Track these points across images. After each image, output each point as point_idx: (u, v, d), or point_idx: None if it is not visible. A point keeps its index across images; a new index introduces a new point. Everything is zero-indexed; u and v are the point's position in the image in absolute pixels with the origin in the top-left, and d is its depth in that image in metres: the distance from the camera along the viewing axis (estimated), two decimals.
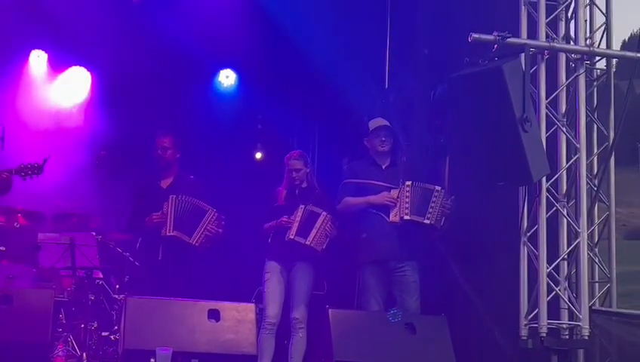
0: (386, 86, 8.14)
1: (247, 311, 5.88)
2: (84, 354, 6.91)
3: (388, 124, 6.80)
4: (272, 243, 6.86)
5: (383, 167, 6.76)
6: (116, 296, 7.64)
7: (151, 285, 6.48)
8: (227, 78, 9.73)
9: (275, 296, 6.75)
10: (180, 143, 7.10)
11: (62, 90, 9.46)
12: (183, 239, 6.72)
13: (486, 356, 6.42)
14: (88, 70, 9.38)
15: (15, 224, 8.04)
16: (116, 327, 7.37)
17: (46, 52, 9.27)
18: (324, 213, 6.67)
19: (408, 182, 6.48)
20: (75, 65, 9.39)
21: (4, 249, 7.81)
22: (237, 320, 5.76)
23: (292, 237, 6.65)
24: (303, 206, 6.72)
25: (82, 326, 7.32)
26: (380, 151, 6.74)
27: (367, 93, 8.14)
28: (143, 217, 6.87)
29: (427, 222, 6.36)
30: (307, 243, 6.60)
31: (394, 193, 6.52)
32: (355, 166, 6.98)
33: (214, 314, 5.73)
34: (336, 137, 8.94)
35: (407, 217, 6.41)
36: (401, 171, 6.66)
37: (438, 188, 6.45)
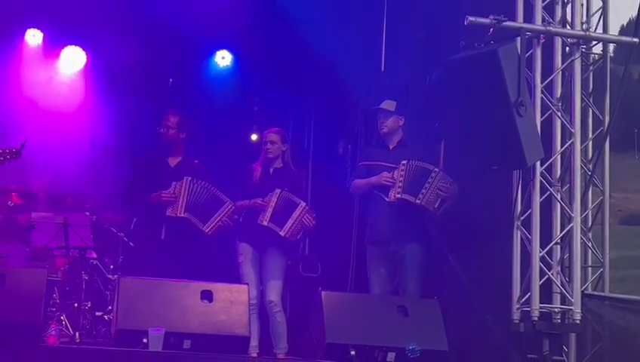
0: (382, 70, 8.12)
1: (240, 292, 5.88)
2: (77, 334, 6.91)
3: (387, 106, 6.77)
4: (242, 223, 6.83)
5: (390, 147, 6.76)
6: (110, 276, 7.65)
7: (151, 264, 6.45)
8: (223, 59, 9.68)
9: (251, 277, 6.71)
10: (186, 124, 7.06)
11: (57, 70, 9.41)
12: (196, 224, 6.71)
13: (478, 339, 6.44)
14: (84, 50, 9.32)
15: (9, 203, 8.01)
16: (110, 307, 7.38)
17: (41, 31, 9.21)
18: (302, 204, 6.66)
19: (404, 161, 6.48)
20: (71, 44, 9.33)
21: None
22: (230, 301, 5.76)
23: (266, 223, 6.62)
24: (278, 191, 6.68)
25: (76, 305, 7.33)
26: (382, 133, 6.74)
27: (363, 76, 8.12)
28: (145, 192, 6.81)
29: (418, 202, 6.37)
30: (282, 233, 6.60)
31: (394, 173, 6.52)
32: (367, 148, 7.04)
33: (207, 295, 5.73)
34: (333, 120, 8.92)
35: (398, 196, 6.43)
36: (409, 151, 6.65)
37: (436, 169, 6.45)
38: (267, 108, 9.64)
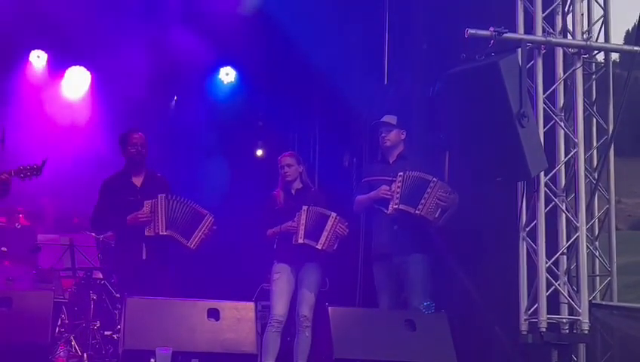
0: (385, 82, 8.13)
1: (246, 309, 5.85)
2: (85, 355, 6.92)
3: (389, 120, 6.78)
4: (278, 248, 6.85)
5: (391, 161, 6.77)
6: (118, 296, 7.65)
7: (137, 285, 6.41)
8: (227, 76, 9.73)
9: (284, 295, 6.74)
10: (147, 141, 6.97)
11: (62, 90, 9.47)
12: (179, 241, 6.67)
13: (486, 351, 6.42)
14: (88, 70, 9.38)
15: (16, 225, 8.06)
16: (119, 326, 7.38)
17: (46, 52, 9.27)
18: (334, 215, 6.67)
19: (400, 173, 6.49)
20: (75, 65, 9.39)
21: (5, 250, 7.83)
22: (237, 319, 5.74)
23: (301, 241, 6.64)
24: (306, 207, 6.70)
25: (84, 325, 7.34)
26: (384, 146, 6.75)
27: (366, 89, 8.13)
28: (115, 214, 6.74)
29: (417, 213, 6.36)
30: (319, 246, 6.62)
31: (392, 185, 6.53)
32: (369, 165, 7.04)
33: (214, 314, 5.71)
34: (337, 133, 8.94)
35: (396, 207, 6.43)
36: (409, 164, 6.65)
37: (434, 179, 6.44)
38: (272, 124, 9.68)
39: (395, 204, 6.44)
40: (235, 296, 6.39)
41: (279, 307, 6.71)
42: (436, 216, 6.38)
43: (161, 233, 6.62)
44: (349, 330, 5.77)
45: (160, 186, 6.87)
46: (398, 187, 6.45)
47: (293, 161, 6.94)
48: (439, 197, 6.37)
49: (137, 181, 6.91)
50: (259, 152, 10.05)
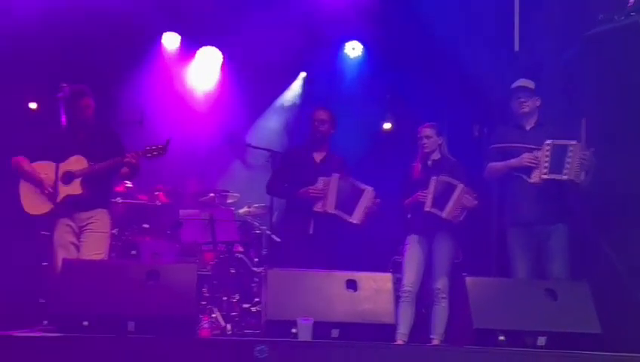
0: (516, 49, 7.96)
1: (384, 280, 5.87)
2: (229, 326, 7.10)
3: (527, 84, 6.64)
4: (411, 219, 6.88)
5: (527, 128, 6.64)
6: (255, 269, 7.82)
7: (299, 258, 6.53)
8: (354, 50, 9.74)
9: (414, 264, 6.78)
10: (335, 120, 7.08)
11: (195, 70, 9.70)
12: (344, 218, 6.78)
13: (629, 320, 6.24)
14: (219, 50, 9.57)
15: (156, 202, 8.30)
16: (257, 299, 7.55)
17: (178, 34, 9.51)
18: (460, 185, 6.63)
19: (548, 141, 6.32)
20: (207, 45, 9.59)
21: (147, 226, 8.11)
22: (375, 289, 5.76)
23: (428, 209, 6.66)
24: (435, 178, 6.70)
25: (224, 299, 7.53)
26: (520, 113, 6.62)
27: (496, 57, 7.98)
28: (290, 186, 6.92)
29: (565, 178, 6.22)
30: (444, 215, 6.60)
31: (536, 154, 6.40)
32: (501, 130, 6.87)
33: (352, 285, 5.76)
34: (467, 104, 8.82)
35: (545, 176, 6.29)
36: (545, 132, 6.49)
37: (573, 142, 6.27)
38: (400, 96, 9.63)
39: (544, 174, 6.29)
40: (368, 269, 6.44)
41: (409, 276, 6.75)
42: (581, 178, 6.24)
43: (328, 211, 6.75)
44: (487, 300, 5.71)
45: (338, 166, 6.98)
46: (547, 156, 6.30)
47: (433, 133, 6.92)
48: (582, 159, 6.20)
49: (318, 157, 7.06)
50: (387, 125, 10.03)
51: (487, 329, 5.54)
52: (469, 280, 5.81)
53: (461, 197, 6.61)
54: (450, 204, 6.61)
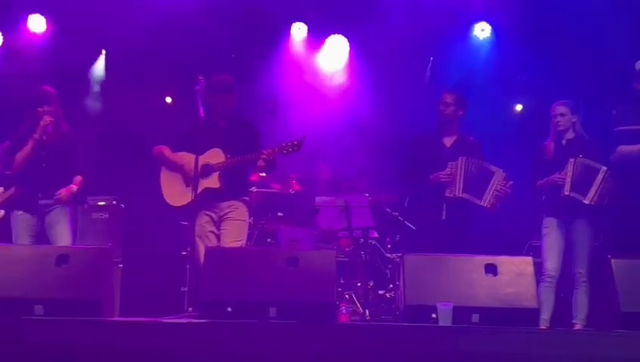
0: None
1: (524, 264, 5.74)
2: (367, 311, 7.13)
3: None
4: (547, 201, 6.73)
5: None
6: (389, 255, 7.82)
7: (432, 244, 6.50)
8: (482, 32, 9.60)
9: (555, 249, 6.64)
10: (463, 101, 6.99)
11: (323, 59, 9.76)
12: (473, 202, 6.72)
13: None
14: (347, 38, 9.60)
15: (290, 190, 8.41)
16: (391, 285, 7.55)
17: (306, 24, 9.59)
18: (604, 169, 6.43)
19: None
20: (334, 34, 9.65)
21: (281, 214, 8.22)
22: (515, 273, 5.65)
23: (567, 193, 6.49)
24: (573, 159, 6.52)
25: (359, 284, 7.56)
26: None
27: (634, 34, 7.70)
28: (422, 171, 6.88)
29: None
30: (586, 201, 6.43)
31: None
32: (625, 111, 6.64)
33: (491, 269, 5.66)
34: (601, 83, 8.54)
35: None
36: None
37: None
38: (530, 78, 9.43)
39: None
40: (503, 254, 6.33)
41: (551, 262, 6.61)
42: None
43: (456, 195, 6.71)
44: (635, 283, 5.52)
45: (471, 149, 6.91)
46: None
47: (567, 110, 6.73)
48: None
49: (448, 141, 7.01)
50: (518, 107, 9.84)
51: (635, 313, 5.35)
52: (614, 262, 5.62)
53: (604, 180, 6.41)
54: (593, 189, 6.43)
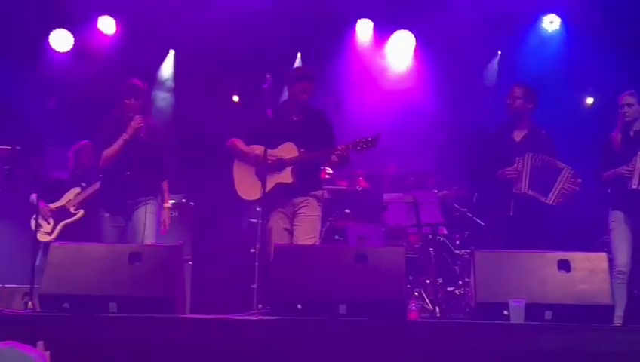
0: None
1: (598, 260, 5.61)
2: (437, 309, 7.07)
3: None
4: (613, 194, 6.58)
5: None
6: (458, 252, 7.75)
7: (501, 240, 6.42)
8: (552, 24, 9.45)
9: (624, 244, 6.50)
10: (532, 94, 6.85)
11: (389, 55, 9.74)
12: (539, 198, 6.61)
13: None
14: (412, 33, 9.55)
15: (357, 187, 8.39)
16: (460, 282, 7.48)
17: (371, 20, 9.57)
18: None
19: None
20: (400, 29, 9.61)
21: (349, 211, 8.22)
22: (589, 270, 5.53)
23: (636, 186, 6.35)
24: None
25: (428, 281, 7.51)
26: None
27: None
28: (491, 167, 6.80)
29: None
30: None
31: None
32: None
33: (564, 265, 5.55)
34: None
35: None
36: None
37: None
38: (599, 71, 9.25)
39: None
40: (575, 250, 6.22)
41: (621, 257, 6.47)
42: None
43: (523, 191, 6.62)
44: None
45: (541, 143, 6.79)
46: None
47: (635, 100, 6.56)
48: None
49: (518, 136, 6.90)
50: (589, 100, 9.67)
51: None
52: None
53: None
54: None
